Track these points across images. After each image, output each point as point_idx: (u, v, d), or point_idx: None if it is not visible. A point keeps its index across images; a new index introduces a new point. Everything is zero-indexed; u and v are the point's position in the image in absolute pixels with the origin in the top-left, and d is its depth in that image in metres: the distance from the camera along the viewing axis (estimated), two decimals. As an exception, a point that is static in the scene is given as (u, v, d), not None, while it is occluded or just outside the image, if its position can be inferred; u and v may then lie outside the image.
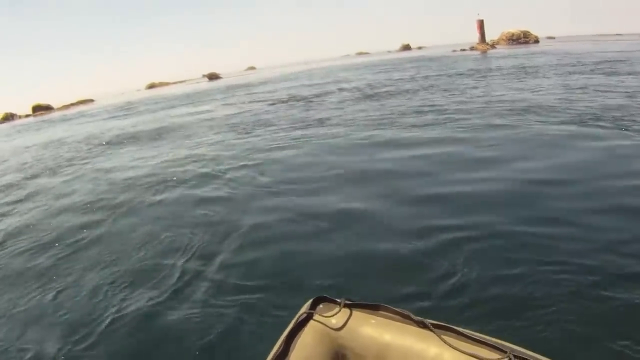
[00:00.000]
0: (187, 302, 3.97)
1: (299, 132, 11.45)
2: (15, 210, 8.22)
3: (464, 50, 55.24)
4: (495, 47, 54.51)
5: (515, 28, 61.56)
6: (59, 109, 65.97)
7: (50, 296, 4.51)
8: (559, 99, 11.52)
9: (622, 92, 11.59)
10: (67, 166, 12.06)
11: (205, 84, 63.99)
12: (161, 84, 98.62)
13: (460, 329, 1.99)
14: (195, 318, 3.69)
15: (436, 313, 2.96)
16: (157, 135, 15.39)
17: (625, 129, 7.71)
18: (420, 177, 6.57)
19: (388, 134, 9.75)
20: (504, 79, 17.61)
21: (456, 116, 10.67)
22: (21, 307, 4.40)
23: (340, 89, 22.09)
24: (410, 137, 9.16)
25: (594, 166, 6.14)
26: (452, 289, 3.56)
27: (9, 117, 59.92)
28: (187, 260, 4.77)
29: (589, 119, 8.80)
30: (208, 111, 21.54)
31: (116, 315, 3.93)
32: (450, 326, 2.02)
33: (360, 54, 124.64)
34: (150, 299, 4.12)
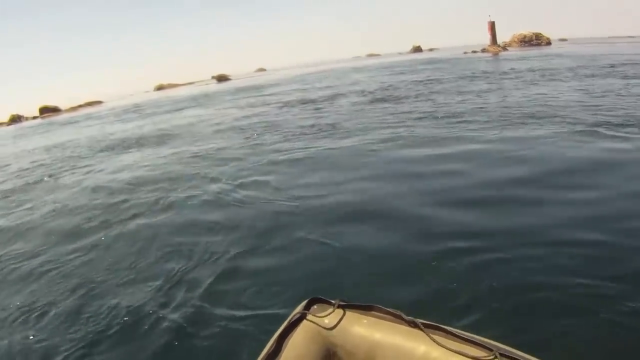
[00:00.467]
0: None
1: (311, 138, 10.91)
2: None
3: (475, 52, 54.78)
4: (506, 49, 53.79)
5: (527, 30, 60.83)
6: (67, 110, 66.11)
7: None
8: (580, 102, 10.97)
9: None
10: (66, 172, 11.63)
11: (214, 86, 63.68)
12: (170, 86, 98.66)
13: (450, 328, 2.05)
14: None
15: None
16: (161, 141, 14.89)
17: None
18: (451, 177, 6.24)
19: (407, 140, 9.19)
20: (524, 83, 16.93)
21: (481, 123, 10.10)
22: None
23: (353, 92, 21.46)
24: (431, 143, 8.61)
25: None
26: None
27: (16, 119, 60.07)
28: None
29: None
30: (215, 114, 21.06)
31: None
32: (440, 325, 2.07)
33: (370, 55, 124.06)
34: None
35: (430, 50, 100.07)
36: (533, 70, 21.28)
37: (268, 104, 21.86)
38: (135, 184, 8.82)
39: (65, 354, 3.51)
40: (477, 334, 2.03)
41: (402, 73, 30.88)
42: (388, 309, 2.21)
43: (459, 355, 1.90)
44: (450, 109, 12.50)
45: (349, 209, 5.72)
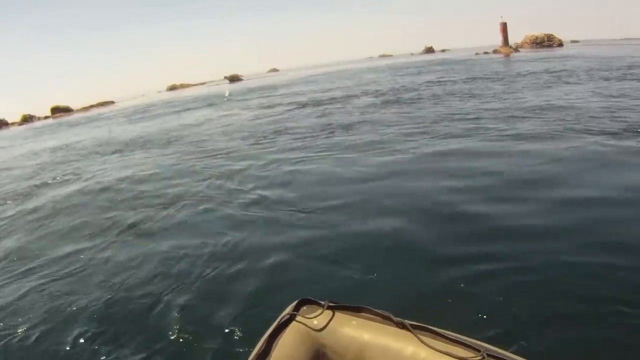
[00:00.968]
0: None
1: (325, 140, 10.67)
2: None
3: (487, 53, 54.47)
4: (518, 51, 53.31)
5: (539, 31, 60.34)
6: (78, 110, 66.55)
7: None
8: (602, 107, 10.58)
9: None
10: (70, 175, 11.51)
11: (226, 86, 63.68)
12: (182, 86, 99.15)
13: (438, 329, 2.05)
14: None
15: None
16: (168, 142, 14.74)
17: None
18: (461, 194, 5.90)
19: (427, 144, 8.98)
20: (542, 84, 16.57)
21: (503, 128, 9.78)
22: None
23: (367, 93, 21.16)
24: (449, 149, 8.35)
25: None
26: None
27: (28, 118, 60.62)
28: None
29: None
30: (226, 115, 20.90)
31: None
32: (428, 327, 2.08)
33: (383, 56, 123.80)
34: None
35: (443, 51, 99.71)
36: (550, 72, 20.87)
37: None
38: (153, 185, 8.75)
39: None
40: (466, 335, 2.03)
41: (415, 74, 30.58)
42: (377, 310, 2.22)
43: (447, 356, 1.91)
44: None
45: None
